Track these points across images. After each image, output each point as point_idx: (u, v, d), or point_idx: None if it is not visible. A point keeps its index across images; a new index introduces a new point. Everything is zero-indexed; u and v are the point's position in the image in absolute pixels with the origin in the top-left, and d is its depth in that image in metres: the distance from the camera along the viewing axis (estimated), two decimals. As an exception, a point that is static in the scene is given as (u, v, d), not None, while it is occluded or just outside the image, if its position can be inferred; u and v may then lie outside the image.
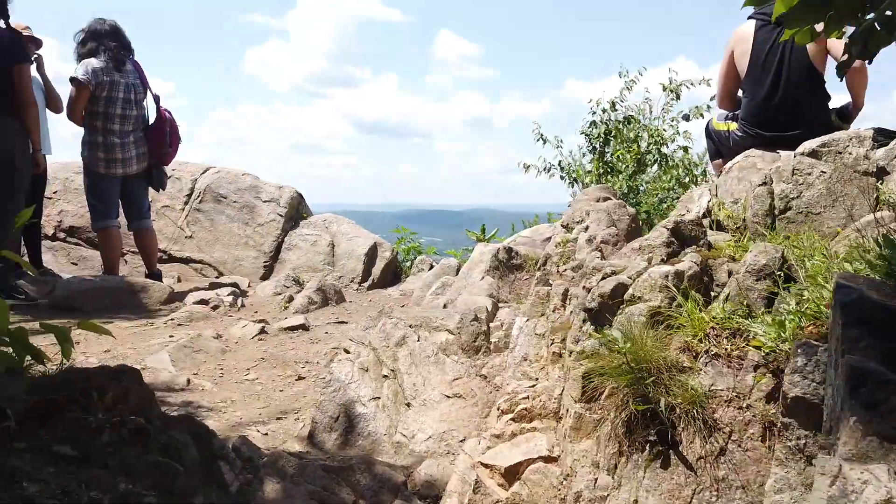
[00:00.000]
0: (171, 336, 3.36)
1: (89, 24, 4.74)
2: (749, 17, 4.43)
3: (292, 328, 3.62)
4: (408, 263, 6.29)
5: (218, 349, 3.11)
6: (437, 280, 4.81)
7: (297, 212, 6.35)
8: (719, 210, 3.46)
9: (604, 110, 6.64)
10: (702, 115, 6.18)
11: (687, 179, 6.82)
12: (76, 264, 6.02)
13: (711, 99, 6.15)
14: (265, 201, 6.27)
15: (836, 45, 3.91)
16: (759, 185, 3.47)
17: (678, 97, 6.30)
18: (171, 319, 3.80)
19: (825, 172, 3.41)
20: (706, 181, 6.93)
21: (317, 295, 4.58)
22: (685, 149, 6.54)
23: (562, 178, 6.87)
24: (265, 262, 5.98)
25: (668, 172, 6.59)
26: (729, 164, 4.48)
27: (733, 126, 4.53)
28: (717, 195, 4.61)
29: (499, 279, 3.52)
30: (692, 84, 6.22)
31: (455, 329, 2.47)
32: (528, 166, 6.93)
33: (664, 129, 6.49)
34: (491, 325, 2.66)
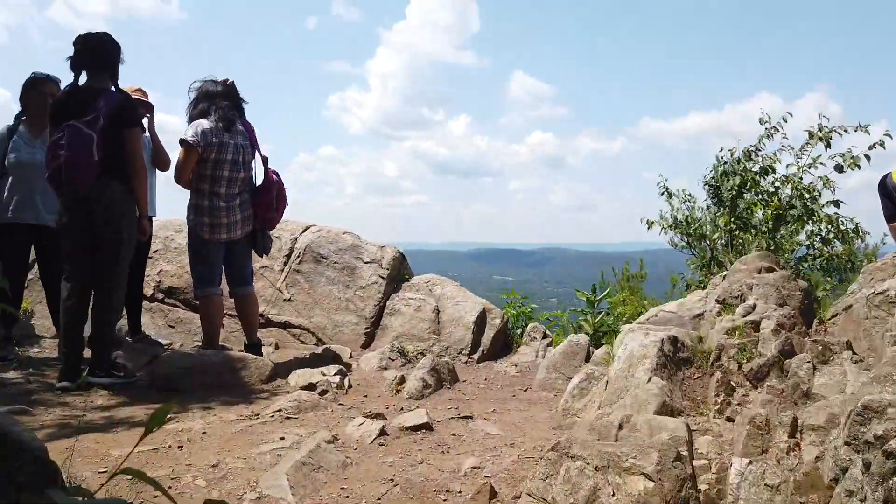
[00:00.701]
0: (282, 438, 2.91)
1: (203, 83, 4.55)
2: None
3: (415, 428, 3.11)
4: (518, 331, 5.72)
5: (338, 463, 2.63)
6: (571, 365, 4.21)
7: (399, 273, 5.94)
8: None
9: (738, 160, 5.93)
10: (858, 166, 5.38)
11: (831, 236, 5.97)
12: (173, 327, 5.80)
13: (871, 148, 5.35)
14: (366, 262, 5.89)
15: None
16: None
17: (829, 145, 5.52)
18: (279, 411, 3.37)
19: None
20: (860, 239, 6.06)
21: (430, 376, 4.07)
22: (836, 202, 5.72)
23: (687, 235, 6.17)
24: (366, 328, 5.55)
25: (808, 225, 5.78)
26: (928, 231, 3.72)
27: (927, 186, 3.78)
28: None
29: (668, 379, 2.89)
30: (845, 130, 5.43)
31: (654, 473, 1.88)
32: (652, 223, 6.28)
33: (812, 183, 5.71)
34: (694, 463, 2.04)
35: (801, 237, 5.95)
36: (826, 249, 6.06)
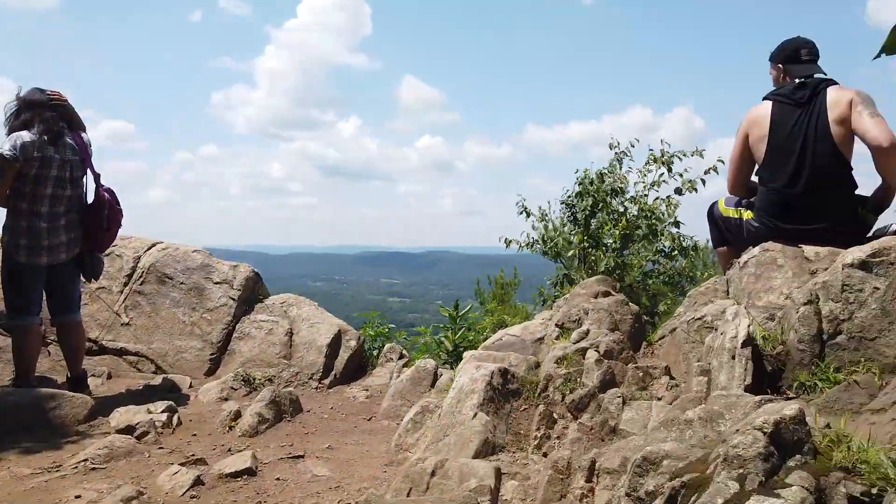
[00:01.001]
0: (77, 497, 2.61)
1: (25, 93, 4.08)
2: (765, 98, 4.00)
3: (236, 475, 2.90)
4: (375, 351, 5.61)
5: (133, 526, 2.38)
6: (417, 392, 4.14)
7: (252, 294, 5.64)
8: (756, 333, 2.91)
9: (591, 182, 6.17)
10: (695, 189, 5.75)
11: (674, 252, 6.37)
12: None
13: (706, 173, 5.74)
14: (217, 283, 5.55)
15: (864, 125, 3.50)
16: (804, 304, 2.94)
17: (670, 169, 5.87)
18: (85, 461, 3.04)
19: (878, 289, 2.90)
20: (694, 254, 6.49)
21: (269, 409, 3.86)
22: (677, 223, 6.09)
23: (544, 253, 6.34)
24: (212, 354, 5.22)
25: (654, 244, 6.14)
26: (745, 256, 3.97)
27: (748, 215, 4.05)
28: (729, 291, 4.09)
29: (493, 414, 2.88)
30: (684, 154, 5.80)
31: (452, 530, 1.82)
32: (510, 241, 6.41)
33: (656, 204, 6.05)
34: (497, 512, 2.00)
35: (648, 254, 6.28)
36: (670, 265, 6.43)
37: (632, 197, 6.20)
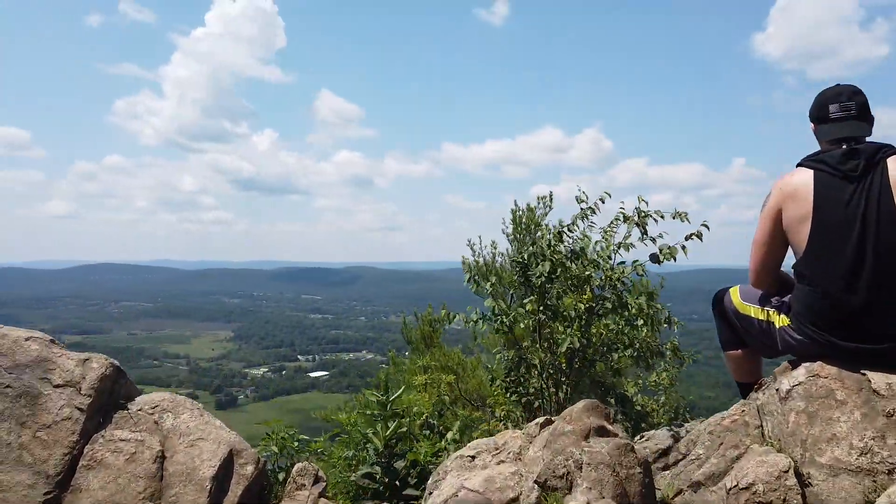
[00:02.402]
0: None
1: None
2: (799, 165, 3.03)
3: None
4: (281, 474, 4.26)
5: None
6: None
7: (109, 399, 4.18)
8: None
9: (549, 243, 5.11)
10: (674, 258, 4.79)
11: (640, 322, 5.38)
12: None
13: (687, 238, 4.79)
14: (57, 385, 4.05)
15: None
16: None
17: (645, 231, 4.89)
18: None
19: None
20: (672, 328, 5.55)
21: None
22: (651, 294, 5.12)
23: (497, 330, 5.22)
24: (48, 492, 3.72)
25: (622, 316, 5.14)
26: (784, 381, 2.95)
27: (782, 320, 3.05)
28: (766, 430, 3.08)
29: None
30: (661, 216, 4.83)
31: None
32: (454, 317, 5.26)
33: (620, 269, 5.06)
34: None
35: (614, 326, 5.28)
36: (634, 335, 5.45)
37: (595, 261, 5.17)
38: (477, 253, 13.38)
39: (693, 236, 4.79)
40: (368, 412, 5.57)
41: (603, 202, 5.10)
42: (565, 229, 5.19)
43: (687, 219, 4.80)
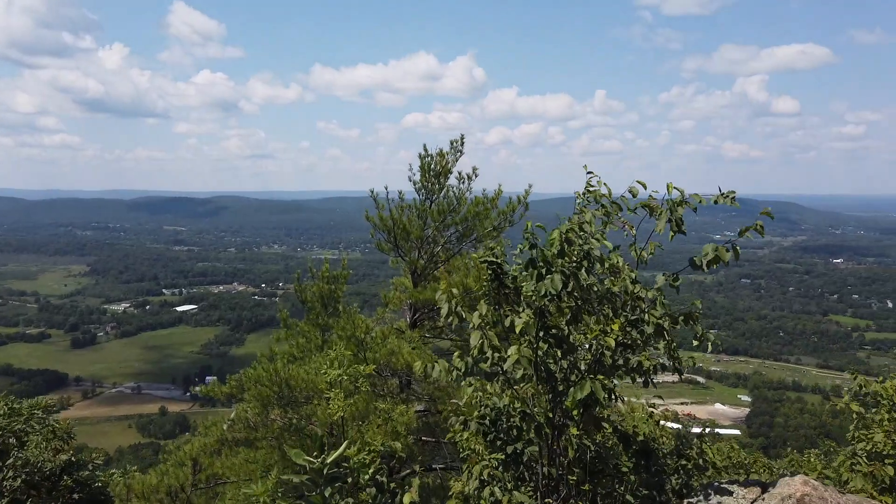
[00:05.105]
0: None
1: None
2: None
3: None
4: None
5: None
6: None
7: None
8: None
9: (560, 250, 3.52)
10: (725, 262, 3.39)
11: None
12: None
13: (742, 234, 3.39)
14: None
15: None
16: None
17: (679, 228, 3.43)
18: None
19: None
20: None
21: None
22: (691, 316, 3.74)
23: (490, 374, 3.64)
24: None
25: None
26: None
27: None
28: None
29: None
30: (701, 201, 3.38)
31: None
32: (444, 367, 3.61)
33: (654, 287, 3.63)
34: None
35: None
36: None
37: (611, 266, 3.69)
38: (381, 206, 11.66)
39: (752, 229, 3.39)
40: (296, 480, 3.90)
41: (635, 195, 3.57)
42: (576, 229, 3.61)
43: (732, 200, 3.40)
